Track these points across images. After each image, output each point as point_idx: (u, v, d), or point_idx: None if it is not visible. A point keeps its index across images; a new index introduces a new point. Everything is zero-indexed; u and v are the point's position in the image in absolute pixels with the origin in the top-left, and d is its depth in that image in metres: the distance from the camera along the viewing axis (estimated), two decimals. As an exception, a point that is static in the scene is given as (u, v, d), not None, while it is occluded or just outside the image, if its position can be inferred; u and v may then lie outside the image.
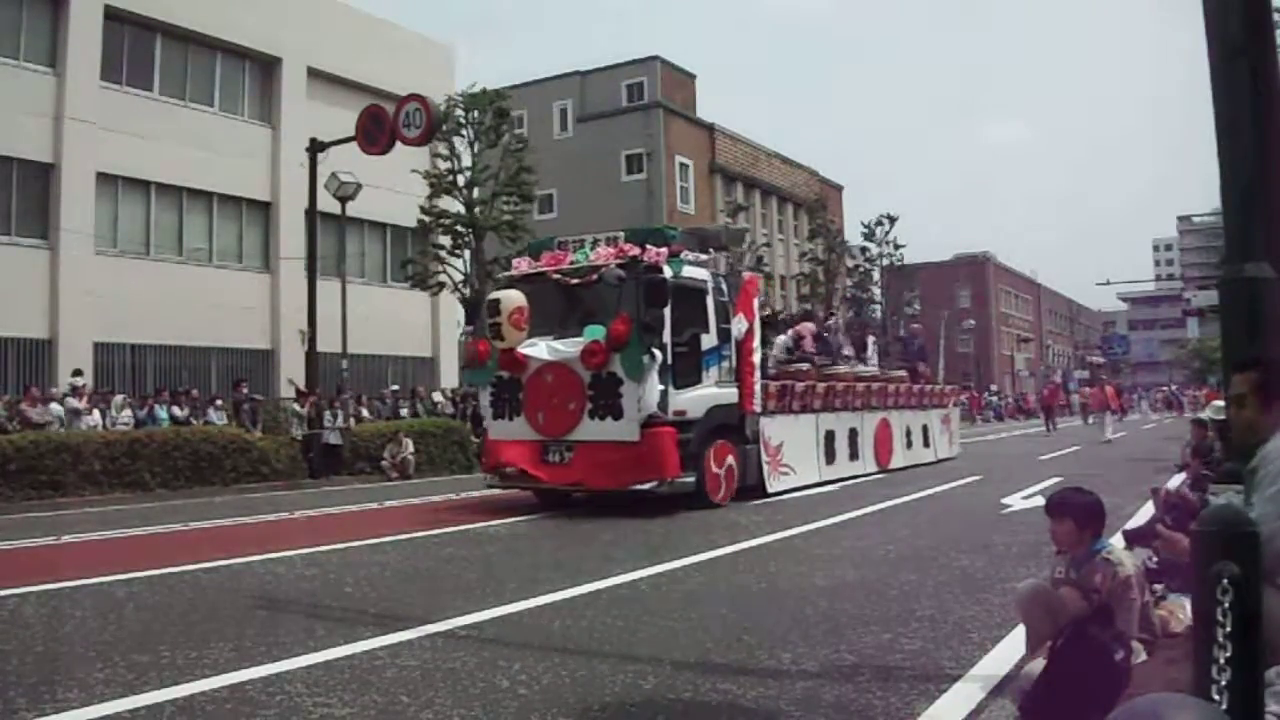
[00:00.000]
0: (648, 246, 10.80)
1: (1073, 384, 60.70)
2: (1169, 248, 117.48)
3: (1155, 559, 5.09)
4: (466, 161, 24.90)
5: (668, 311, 10.40)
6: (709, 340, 11.24)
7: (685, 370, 10.80)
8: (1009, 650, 4.39)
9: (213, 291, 22.23)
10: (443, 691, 4.01)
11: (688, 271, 11.07)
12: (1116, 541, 4.63)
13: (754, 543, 8.32)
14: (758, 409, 11.87)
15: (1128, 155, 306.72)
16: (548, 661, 4.47)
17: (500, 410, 11.22)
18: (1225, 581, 2.16)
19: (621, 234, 11.36)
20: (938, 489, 12.94)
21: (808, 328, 15.45)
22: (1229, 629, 2.12)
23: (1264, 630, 2.21)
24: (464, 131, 24.73)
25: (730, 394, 11.52)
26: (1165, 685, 2.99)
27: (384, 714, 3.74)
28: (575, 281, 10.97)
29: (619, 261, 10.62)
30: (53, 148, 19.88)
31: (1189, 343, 63.85)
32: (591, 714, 3.75)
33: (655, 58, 41.40)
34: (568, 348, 10.55)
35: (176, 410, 17.38)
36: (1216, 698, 2.05)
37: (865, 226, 46.53)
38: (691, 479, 10.48)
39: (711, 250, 12.06)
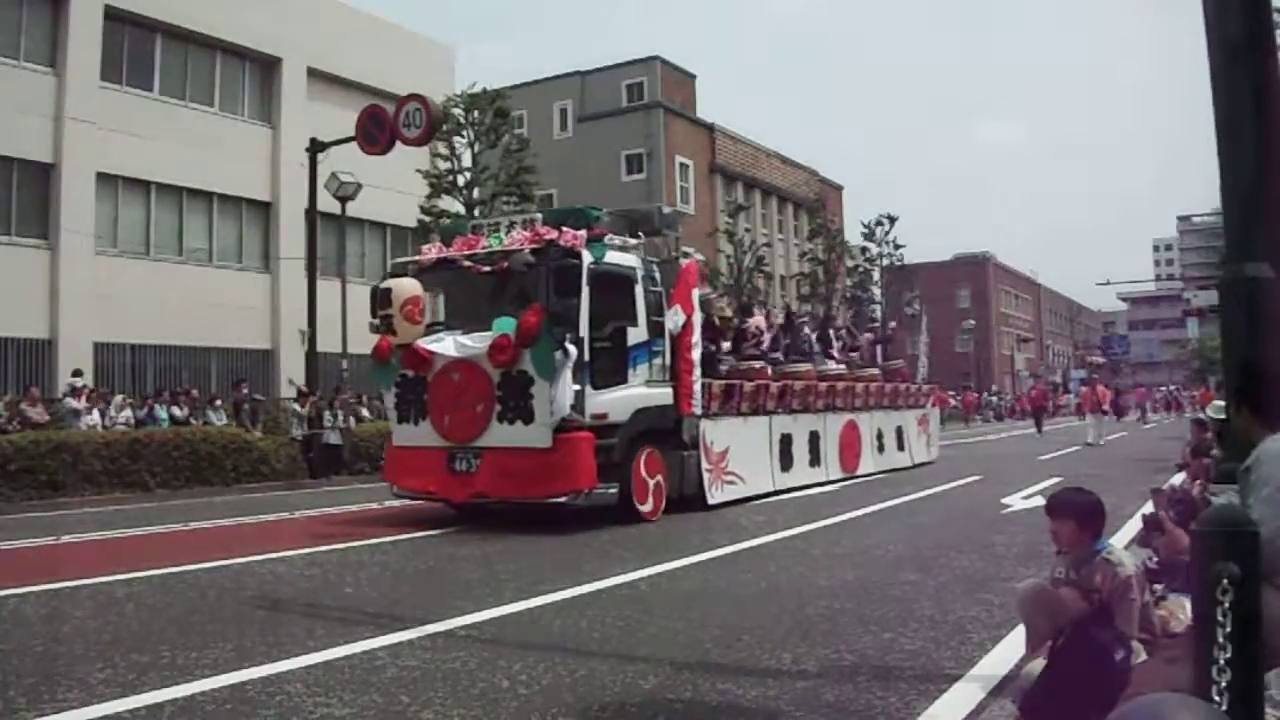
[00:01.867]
0: (564, 229, 9.64)
1: (1073, 384, 60.69)
2: (1169, 248, 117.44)
3: (1155, 559, 5.09)
4: (466, 161, 24.87)
5: (585, 301, 9.30)
6: (637, 334, 10.10)
7: (607, 368, 9.70)
8: (1009, 650, 4.39)
9: (213, 291, 22.23)
10: (443, 691, 4.01)
11: (612, 257, 9.90)
12: (1117, 541, 4.63)
13: (754, 543, 8.32)
14: (697, 411, 10.79)
15: (1128, 155, 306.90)
16: (548, 661, 4.47)
17: (405, 413, 10.11)
18: (1225, 581, 2.16)
19: (539, 215, 10.37)
20: (938, 489, 12.95)
21: (756, 323, 13.97)
22: (1229, 629, 2.12)
23: (1264, 631, 2.21)
24: (464, 131, 24.70)
25: (664, 394, 10.44)
26: (1165, 685, 2.98)
27: (384, 714, 3.74)
28: (487, 269, 9.79)
29: (533, 246, 9.53)
30: (53, 148, 19.87)
31: (1189, 343, 63.81)
32: (591, 714, 3.75)
33: (655, 58, 41.39)
34: (475, 343, 9.44)
35: (176, 410, 17.37)
36: (1216, 698, 2.05)
37: (865, 226, 46.51)
38: (614, 490, 9.49)
39: (642, 234, 10.91)
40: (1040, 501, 4.16)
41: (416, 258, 11.03)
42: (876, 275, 46.99)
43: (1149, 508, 7.24)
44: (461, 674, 4.28)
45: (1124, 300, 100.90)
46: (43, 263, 19.82)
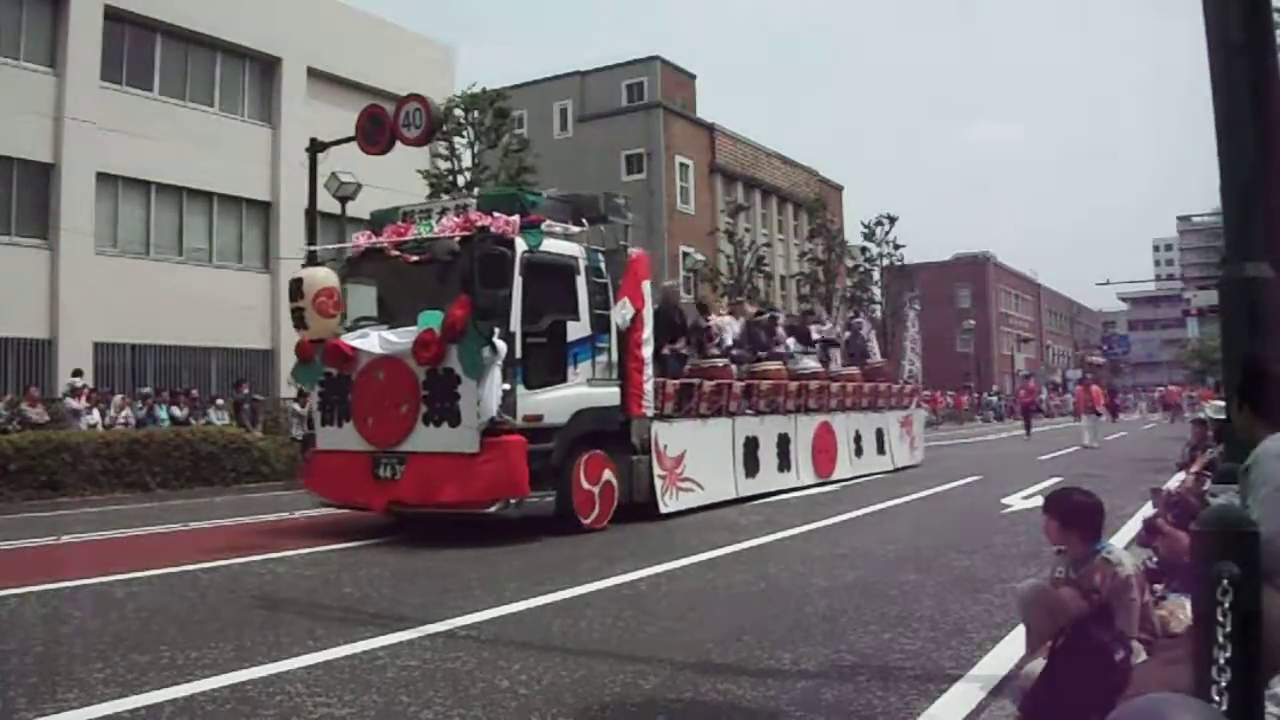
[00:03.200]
0: (495, 215, 8.94)
1: (1072, 384, 60.67)
2: (1169, 248, 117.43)
3: (1155, 559, 5.09)
4: (466, 161, 24.84)
5: (517, 293, 8.65)
6: (578, 329, 9.38)
7: (543, 365, 8.99)
8: (1009, 650, 4.39)
9: (213, 291, 22.21)
10: (443, 691, 4.01)
11: (550, 245, 9.23)
12: (1117, 541, 4.63)
13: (754, 543, 8.32)
14: (649, 412, 10.05)
15: (1128, 155, 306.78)
16: (548, 661, 4.47)
17: (328, 415, 9.44)
18: (1225, 581, 2.16)
19: (473, 200, 9.61)
20: (938, 489, 12.95)
21: (716, 321, 13.30)
22: (1229, 629, 2.11)
23: (1264, 633, 2.20)
24: (464, 131, 24.68)
25: (609, 394, 9.72)
26: (1165, 685, 2.98)
27: (384, 714, 3.74)
28: (415, 259, 9.15)
29: (464, 234, 8.85)
30: (53, 148, 19.86)
31: (1189, 343, 63.84)
32: (591, 714, 3.75)
33: (655, 58, 41.40)
34: (400, 339, 8.81)
35: (176, 410, 17.38)
36: (1216, 698, 2.05)
37: (865, 226, 46.50)
38: (552, 498, 8.85)
39: (586, 221, 10.06)
40: (1040, 501, 4.16)
41: (343, 245, 10.54)
42: (876, 275, 46.99)
43: (1149, 508, 7.24)
44: (461, 674, 4.28)
45: (1124, 300, 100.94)
46: (43, 263, 19.82)
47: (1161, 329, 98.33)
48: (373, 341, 9.01)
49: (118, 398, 17.78)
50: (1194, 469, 7.95)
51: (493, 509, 8.39)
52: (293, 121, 23.77)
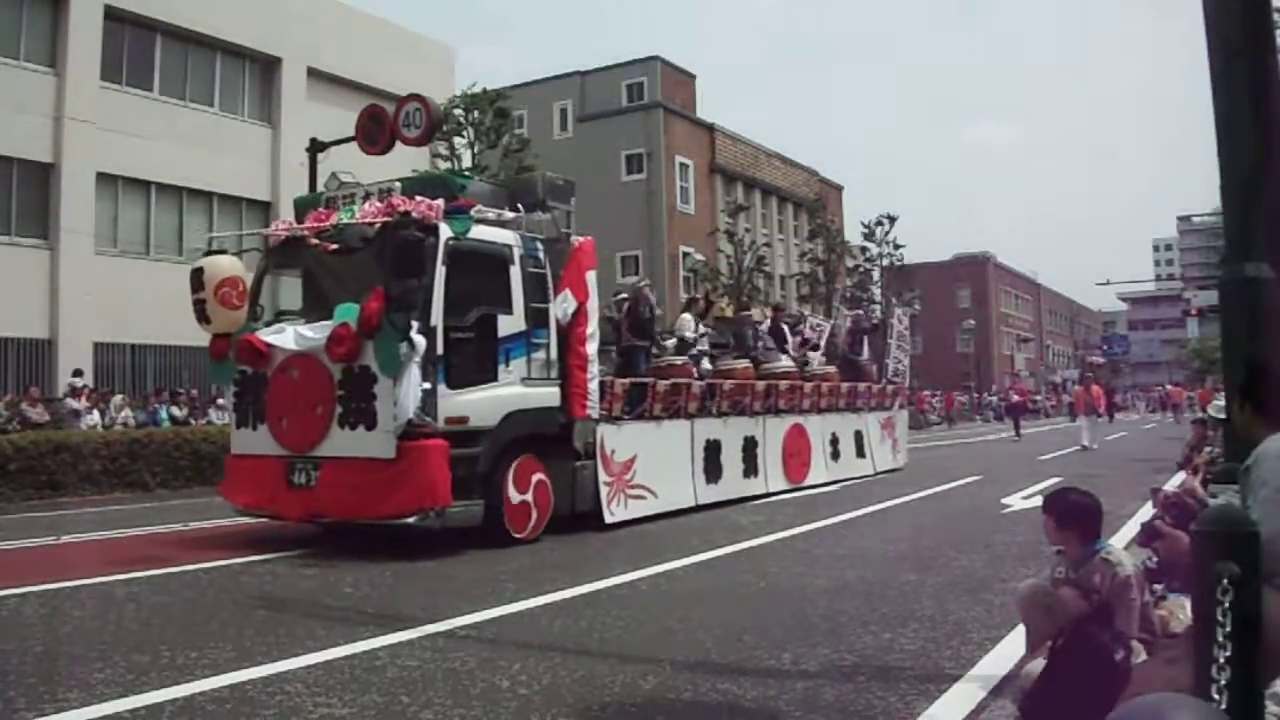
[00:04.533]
0: (418, 199, 8.29)
1: (1070, 384, 60.67)
2: (1169, 248, 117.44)
3: (1155, 559, 5.10)
4: (466, 162, 24.86)
5: (439, 284, 7.96)
6: (511, 323, 8.64)
7: (469, 363, 8.26)
8: (1009, 650, 4.39)
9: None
10: (443, 691, 4.01)
11: (480, 232, 8.55)
12: (1117, 541, 4.63)
13: (754, 543, 8.32)
14: (594, 414, 9.31)
15: (1128, 155, 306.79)
16: (548, 661, 4.47)
17: (243, 416, 8.81)
18: (1225, 582, 2.16)
19: (398, 184, 8.86)
20: (938, 489, 12.95)
21: (685, 319, 12.36)
22: (1229, 629, 2.12)
23: (1264, 632, 2.21)
24: (464, 132, 24.70)
25: (547, 394, 8.99)
26: (1165, 685, 2.98)
27: (384, 714, 3.74)
28: (334, 247, 8.58)
29: (384, 221, 8.19)
30: (53, 148, 19.86)
31: (1189, 343, 63.78)
32: (591, 714, 3.75)
33: (655, 58, 41.40)
34: (316, 334, 8.15)
35: (176, 410, 17.38)
36: (1216, 698, 2.05)
37: (865, 226, 46.54)
38: (478, 507, 8.11)
39: (522, 207, 9.26)
40: (1040, 501, 4.16)
41: (263, 231, 9.84)
42: (876, 275, 47.01)
43: (1148, 508, 7.24)
44: (461, 674, 4.28)
45: (1124, 300, 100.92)
46: (43, 263, 19.82)
47: (1161, 329, 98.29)
48: (288, 337, 8.39)
49: (118, 398, 17.78)
50: (1194, 469, 7.96)
51: (412, 520, 7.69)
52: (293, 121, 23.78)
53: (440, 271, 7.99)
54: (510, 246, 8.84)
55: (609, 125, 39.34)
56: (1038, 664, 3.45)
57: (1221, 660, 2.09)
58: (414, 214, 8.08)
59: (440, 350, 7.92)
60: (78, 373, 17.54)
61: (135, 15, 21.21)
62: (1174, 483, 8.63)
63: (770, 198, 45.74)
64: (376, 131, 16.40)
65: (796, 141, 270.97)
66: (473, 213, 8.57)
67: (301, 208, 9.53)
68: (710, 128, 42.03)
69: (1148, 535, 5.24)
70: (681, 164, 39.82)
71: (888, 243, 45.99)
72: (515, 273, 8.79)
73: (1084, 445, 21.61)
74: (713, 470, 11.32)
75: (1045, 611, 3.69)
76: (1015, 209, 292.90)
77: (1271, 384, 3.07)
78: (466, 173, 9.40)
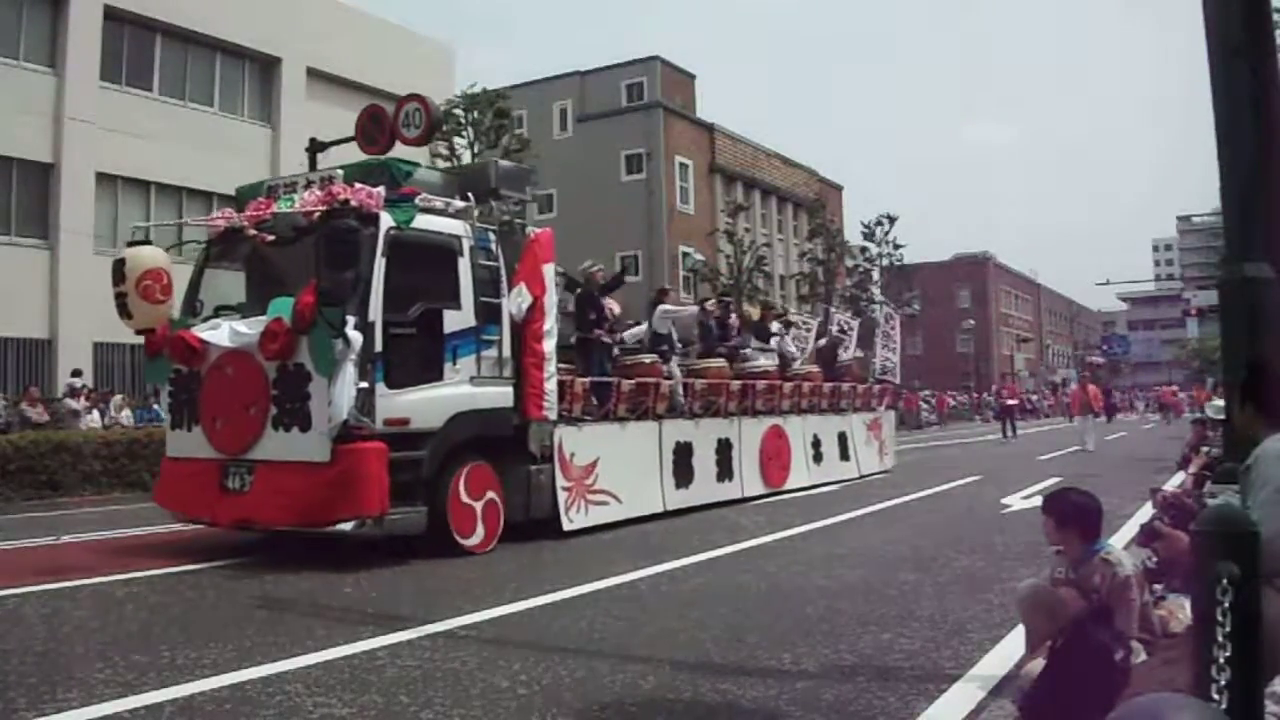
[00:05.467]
0: (358, 186, 7.83)
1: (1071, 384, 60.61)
2: (1169, 248, 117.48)
3: (1155, 559, 5.10)
4: (466, 161, 24.91)
5: (378, 276, 7.48)
6: (459, 319, 8.12)
7: (411, 361, 7.77)
8: (1009, 650, 4.39)
9: (213, 291, 22.22)
10: (443, 691, 4.01)
11: (425, 222, 8.05)
12: (1117, 541, 4.64)
13: (754, 543, 8.32)
14: (551, 415, 8.75)
15: (1128, 155, 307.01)
16: (548, 661, 4.47)
17: (178, 417, 8.37)
18: (1225, 582, 2.16)
19: (340, 172, 8.33)
20: (938, 489, 12.95)
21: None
22: (1229, 629, 2.12)
23: (1264, 632, 2.21)
24: (464, 132, 24.75)
25: (499, 394, 8.43)
26: (1165, 685, 2.98)
27: (384, 714, 3.75)
28: (271, 239, 8.11)
29: (324, 209, 7.72)
30: (53, 148, 19.87)
31: (1189, 343, 63.78)
32: (591, 714, 3.75)
33: (655, 58, 41.42)
34: (251, 330, 7.69)
35: (176, 410, 17.33)
36: (1216, 698, 2.05)
37: (865, 226, 46.61)
38: (421, 514, 7.63)
39: (472, 196, 8.66)
40: (1040, 501, 4.17)
41: (196, 221, 9.35)
42: (876, 275, 47.04)
43: (1148, 508, 7.24)
44: (461, 674, 4.28)
45: (1124, 300, 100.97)
46: (43, 263, 19.82)
47: (1161, 329, 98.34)
48: (222, 333, 7.93)
49: (117, 398, 17.78)
50: (1193, 469, 7.96)
51: (347, 527, 7.24)
52: (292, 121, 23.77)
53: (379, 263, 7.53)
54: (459, 237, 8.31)
55: (609, 125, 39.36)
56: (1038, 664, 3.45)
57: (1221, 660, 2.09)
58: (353, 202, 7.62)
59: (379, 347, 7.44)
60: (76, 373, 17.55)
61: (135, 15, 21.21)
62: (1174, 483, 8.64)
63: (770, 198, 45.77)
64: (376, 131, 16.36)
65: (796, 142, 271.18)
66: (417, 201, 8.09)
67: (243, 197, 8.99)
68: (710, 128, 42.05)
69: (1147, 536, 5.25)
70: (681, 164, 39.84)
71: (887, 242, 46.06)
72: (464, 265, 8.27)
73: (1083, 447, 21.08)
74: (683, 474, 10.78)
75: (1045, 611, 3.69)
76: (1015, 209, 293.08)
77: (1272, 384, 3.08)
78: (414, 160, 8.92)
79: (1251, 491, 2.87)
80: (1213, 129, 3.39)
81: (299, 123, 22.95)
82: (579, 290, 10.55)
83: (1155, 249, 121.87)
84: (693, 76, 44.10)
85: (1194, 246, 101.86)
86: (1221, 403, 6.68)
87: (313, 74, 24.86)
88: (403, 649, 4.74)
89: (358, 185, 7.80)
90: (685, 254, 36.49)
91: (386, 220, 7.68)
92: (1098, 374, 56.38)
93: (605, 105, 40.44)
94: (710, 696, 3.96)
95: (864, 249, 46.69)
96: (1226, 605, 2.14)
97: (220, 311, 8.62)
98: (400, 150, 15.52)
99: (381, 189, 7.85)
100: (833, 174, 51.76)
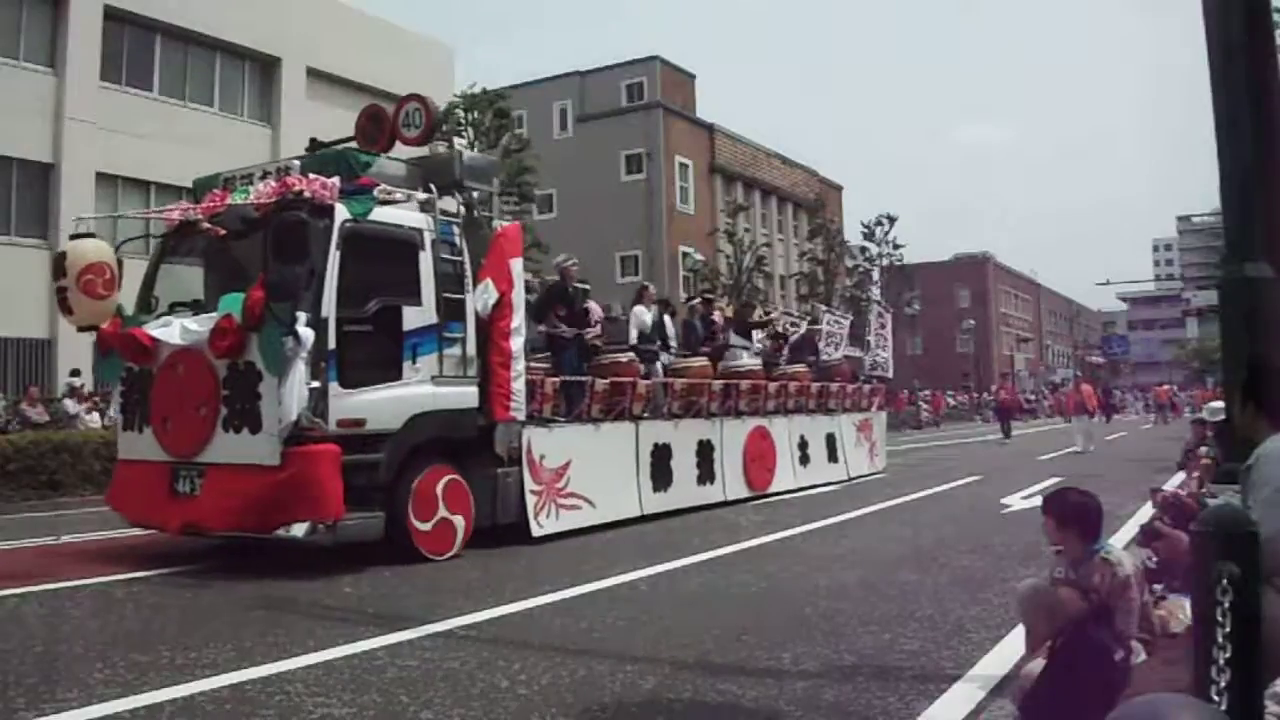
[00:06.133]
0: (311, 177, 7.48)
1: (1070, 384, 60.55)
2: (1169, 248, 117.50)
3: (1155, 559, 5.10)
4: (464, 161, 24.92)
5: (332, 270, 7.14)
6: (420, 315, 7.76)
7: (367, 359, 7.43)
8: (1009, 650, 4.39)
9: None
10: (443, 691, 4.01)
11: (384, 214, 7.75)
12: (1117, 541, 4.64)
13: (754, 543, 8.32)
14: (519, 416, 8.39)
15: (1128, 155, 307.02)
16: (548, 661, 4.47)
17: (130, 418, 8.06)
18: (1225, 582, 2.16)
19: (296, 163, 8.07)
20: (938, 489, 12.95)
21: (638, 310, 11.48)
22: (1229, 629, 2.12)
23: (1264, 632, 2.21)
24: (464, 132, 24.75)
25: (463, 394, 8.06)
26: (1165, 685, 2.99)
27: (384, 714, 3.74)
28: (224, 232, 7.83)
29: (276, 200, 7.36)
30: (53, 148, 19.89)
31: (1189, 343, 63.88)
32: (591, 714, 3.75)
33: (655, 58, 41.45)
34: (202, 327, 7.35)
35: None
36: (1216, 698, 2.05)
37: (865, 226, 46.66)
38: (378, 520, 7.30)
39: (435, 188, 8.34)
40: (1040, 501, 4.17)
41: (145, 213, 8.93)
42: (876, 275, 47.07)
43: (1148, 509, 7.24)
44: (461, 674, 4.28)
45: (1124, 300, 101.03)
46: (43, 263, 19.78)
47: (1161, 329, 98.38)
48: (173, 331, 7.58)
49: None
50: (1193, 470, 7.97)
51: (299, 533, 6.92)
52: (292, 121, 23.78)
53: (334, 257, 7.19)
54: (420, 230, 7.98)
55: (609, 125, 39.40)
56: (1037, 664, 3.45)
57: (1221, 660, 2.10)
58: (307, 193, 7.28)
59: (333, 345, 7.08)
60: (75, 372, 17.53)
61: (135, 15, 21.23)
62: (1174, 483, 8.65)
63: (770, 198, 45.81)
64: (376, 131, 16.36)
65: (796, 142, 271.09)
66: (376, 192, 7.79)
67: (200, 188, 8.67)
68: (710, 128, 42.08)
69: (1147, 536, 5.25)
70: (681, 164, 39.87)
71: (887, 242, 46.10)
72: (426, 259, 7.92)
73: (1078, 449, 20.73)
74: (661, 477, 10.38)
75: (1045, 611, 3.69)
76: (1015, 209, 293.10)
77: (1273, 384, 3.08)
78: (371, 153, 8.72)
79: (1252, 491, 2.87)
80: (1213, 129, 3.39)
81: (299, 123, 22.97)
82: (550, 284, 10.19)
83: (1155, 249, 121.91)
84: (693, 76, 44.14)
85: (1194, 246, 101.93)
86: (1220, 404, 6.69)
87: (313, 74, 24.87)
88: (403, 649, 4.74)
89: (312, 176, 7.45)
90: (685, 254, 36.51)
91: (342, 212, 7.37)
92: (1097, 374, 56.41)
93: (605, 105, 40.47)
94: (710, 696, 3.96)
95: (864, 249, 46.72)
96: (1226, 605, 2.14)
97: (175, 308, 8.27)
98: (400, 150, 15.17)
99: (337, 180, 7.51)
100: (833, 174, 51.84)
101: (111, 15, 20.74)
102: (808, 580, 6.56)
